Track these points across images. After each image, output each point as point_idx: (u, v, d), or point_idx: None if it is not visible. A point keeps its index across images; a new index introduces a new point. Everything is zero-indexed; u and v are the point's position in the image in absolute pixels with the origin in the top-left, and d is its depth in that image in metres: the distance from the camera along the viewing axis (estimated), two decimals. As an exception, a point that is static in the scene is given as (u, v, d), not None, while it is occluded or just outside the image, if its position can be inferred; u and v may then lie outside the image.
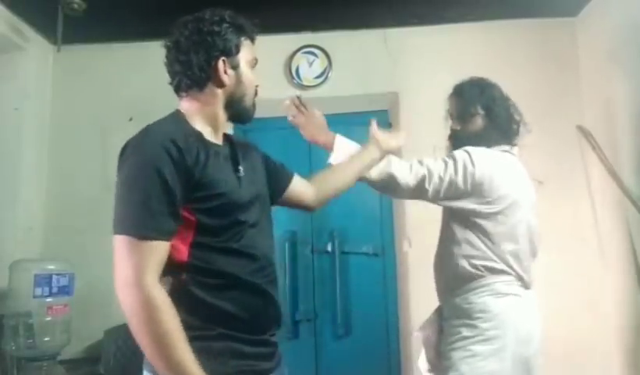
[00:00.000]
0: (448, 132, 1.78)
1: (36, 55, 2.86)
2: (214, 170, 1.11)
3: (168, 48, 1.21)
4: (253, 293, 1.12)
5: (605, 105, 2.61)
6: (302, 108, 1.71)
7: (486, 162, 1.56)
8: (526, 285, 1.59)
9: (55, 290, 2.28)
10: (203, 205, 1.08)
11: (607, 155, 2.54)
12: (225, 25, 1.19)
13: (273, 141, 3.08)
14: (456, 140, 1.72)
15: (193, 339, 1.02)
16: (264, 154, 1.42)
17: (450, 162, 1.55)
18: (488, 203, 1.53)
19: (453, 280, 1.59)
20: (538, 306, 1.60)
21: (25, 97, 2.80)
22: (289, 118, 1.73)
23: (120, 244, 1.03)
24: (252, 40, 1.28)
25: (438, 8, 2.76)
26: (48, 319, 2.25)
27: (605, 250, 2.63)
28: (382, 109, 3.08)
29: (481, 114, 1.68)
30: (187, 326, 1.03)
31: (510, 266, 1.54)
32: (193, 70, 1.17)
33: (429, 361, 1.67)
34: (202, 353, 1.02)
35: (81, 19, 2.57)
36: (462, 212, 1.57)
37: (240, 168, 1.20)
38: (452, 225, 1.61)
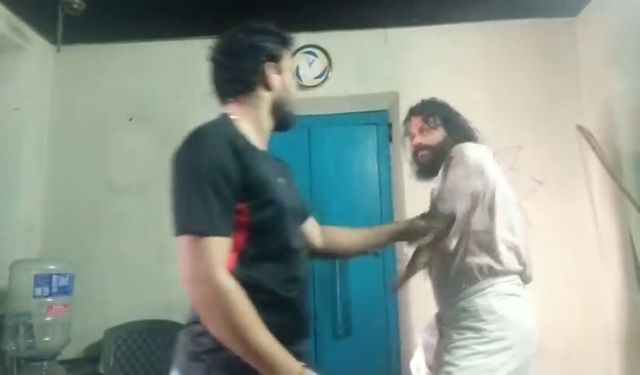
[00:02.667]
0: (409, 156, 1.84)
1: (36, 55, 2.86)
2: (266, 173, 1.13)
3: (215, 57, 1.25)
4: (289, 307, 1.12)
5: (605, 105, 2.61)
6: None
7: (482, 156, 1.61)
8: (526, 279, 1.61)
9: (55, 290, 2.28)
10: (257, 205, 1.09)
11: (607, 155, 2.54)
12: (270, 35, 1.27)
13: (273, 141, 3.08)
14: (424, 153, 1.76)
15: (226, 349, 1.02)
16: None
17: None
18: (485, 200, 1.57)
19: (458, 283, 1.58)
20: (533, 305, 1.61)
21: (25, 97, 2.80)
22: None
23: (187, 242, 1.02)
24: (291, 52, 1.34)
25: (438, 8, 2.76)
26: (48, 319, 2.25)
27: (605, 250, 2.63)
28: (382, 109, 3.09)
29: (440, 126, 1.74)
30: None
31: (512, 265, 1.56)
32: (243, 74, 1.21)
33: (428, 364, 1.68)
34: (237, 363, 1.01)
35: (81, 19, 2.57)
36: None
37: (280, 179, 1.21)
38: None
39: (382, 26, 2.92)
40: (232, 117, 1.20)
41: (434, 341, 1.65)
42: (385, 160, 3.03)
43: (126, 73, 2.96)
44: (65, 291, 2.32)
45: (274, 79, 1.24)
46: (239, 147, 1.09)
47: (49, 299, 2.26)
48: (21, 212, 2.72)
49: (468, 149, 1.61)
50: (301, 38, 2.94)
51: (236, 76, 1.22)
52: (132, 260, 2.71)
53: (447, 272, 1.62)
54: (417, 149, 1.78)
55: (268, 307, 1.05)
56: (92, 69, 2.97)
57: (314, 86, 2.92)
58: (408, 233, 1.57)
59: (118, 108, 2.91)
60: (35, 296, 2.23)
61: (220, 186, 1.03)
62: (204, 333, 1.04)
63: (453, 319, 1.59)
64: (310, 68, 2.92)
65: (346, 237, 1.54)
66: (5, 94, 2.76)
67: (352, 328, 2.87)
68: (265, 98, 1.24)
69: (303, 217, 1.33)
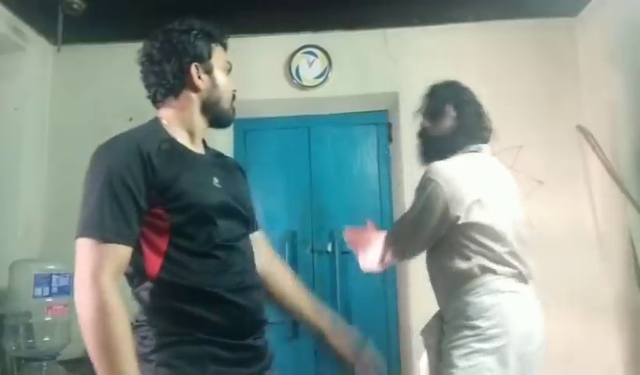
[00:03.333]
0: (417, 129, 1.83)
1: (36, 55, 2.86)
2: (187, 176, 1.12)
3: (142, 63, 1.26)
4: (224, 302, 1.11)
5: (604, 105, 2.61)
6: None
7: (451, 177, 1.58)
8: (524, 279, 1.58)
9: (54, 290, 2.28)
10: (176, 209, 1.09)
11: (607, 155, 2.54)
12: (194, 32, 1.24)
13: (273, 141, 3.09)
14: (426, 138, 1.79)
15: (172, 344, 1.04)
16: (249, 187, 1.42)
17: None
18: (462, 214, 1.54)
19: (451, 283, 1.59)
20: (536, 302, 1.60)
21: (25, 97, 2.80)
22: None
23: (81, 246, 1.03)
24: (223, 46, 1.32)
25: (438, 9, 2.77)
26: (48, 319, 2.25)
27: (605, 250, 2.63)
28: (382, 109, 3.09)
29: (451, 114, 1.72)
30: (165, 332, 1.05)
31: (505, 262, 1.54)
32: (168, 78, 1.21)
33: (431, 364, 1.67)
34: (181, 358, 1.03)
35: (81, 19, 2.57)
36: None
37: (215, 179, 1.20)
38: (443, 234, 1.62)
39: (382, 26, 2.91)
40: (161, 121, 1.21)
41: (434, 341, 1.65)
42: (385, 160, 3.03)
43: (126, 73, 2.92)
44: (65, 291, 2.31)
45: (201, 80, 1.22)
46: (150, 151, 1.08)
47: (49, 299, 2.26)
48: (21, 212, 2.72)
49: (436, 174, 1.58)
50: (301, 38, 2.96)
51: (160, 81, 1.22)
52: (132, 260, 2.70)
53: (442, 273, 1.62)
54: (422, 132, 1.80)
55: (200, 304, 1.07)
56: (92, 69, 2.97)
57: (314, 86, 2.92)
58: (329, 348, 1.36)
59: (118, 108, 2.90)
60: (35, 296, 2.23)
61: (119, 192, 1.04)
62: (147, 336, 1.07)
63: (450, 318, 1.59)
64: (310, 68, 2.92)
65: (287, 287, 1.40)
66: (5, 94, 2.76)
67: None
68: (193, 99, 1.23)
69: (243, 218, 1.27)
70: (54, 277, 2.29)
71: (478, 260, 1.53)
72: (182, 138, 1.20)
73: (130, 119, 2.86)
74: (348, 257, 2.91)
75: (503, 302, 1.50)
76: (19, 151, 2.75)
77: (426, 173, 1.62)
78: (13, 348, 2.22)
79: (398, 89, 2.89)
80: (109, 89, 2.95)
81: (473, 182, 1.58)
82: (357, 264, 2.90)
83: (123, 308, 1.00)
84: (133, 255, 1.08)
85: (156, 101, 1.25)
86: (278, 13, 2.74)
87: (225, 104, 1.28)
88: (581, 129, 2.72)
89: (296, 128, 3.06)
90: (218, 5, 2.60)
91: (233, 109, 1.31)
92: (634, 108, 2.36)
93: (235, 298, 1.12)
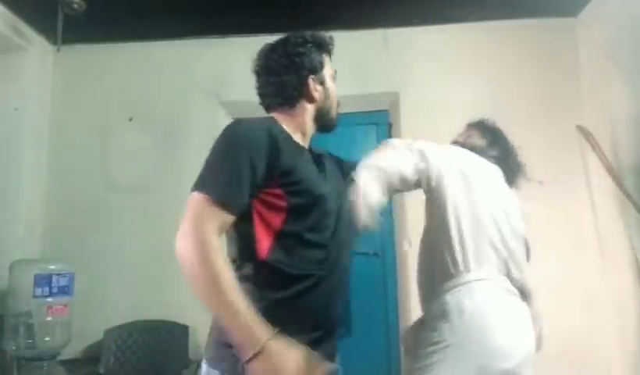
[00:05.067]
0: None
1: (36, 55, 2.86)
2: (303, 166, 1.18)
3: (258, 73, 1.29)
4: (323, 294, 1.15)
5: (605, 105, 2.61)
6: None
7: (437, 153, 1.53)
8: (512, 289, 1.44)
9: (55, 290, 2.28)
10: (295, 192, 1.13)
11: (607, 155, 2.54)
12: (309, 45, 1.29)
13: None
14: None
15: None
16: (342, 160, 1.51)
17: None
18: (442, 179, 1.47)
19: (432, 281, 1.48)
20: (523, 316, 1.44)
21: (25, 97, 2.80)
22: None
23: (192, 199, 1.05)
24: (330, 55, 1.38)
25: (438, 9, 2.77)
26: (48, 319, 2.25)
27: (605, 250, 2.63)
28: (382, 109, 3.09)
29: (485, 138, 1.72)
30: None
31: (490, 266, 1.42)
32: (286, 90, 1.26)
33: (405, 369, 1.62)
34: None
35: (81, 19, 2.57)
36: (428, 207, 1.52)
37: (322, 173, 1.27)
38: (426, 228, 1.57)
39: (382, 26, 2.92)
40: (277, 120, 1.25)
41: (410, 344, 1.58)
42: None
43: (126, 73, 2.96)
44: (65, 291, 2.32)
45: (317, 91, 1.28)
46: (277, 136, 1.14)
47: (49, 299, 2.27)
48: (21, 212, 2.72)
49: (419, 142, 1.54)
50: (301, 38, 2.96)
51: (279, 92, 1.27)
52: (132, 260, 2.71)
53: (420, 272, 1.56)
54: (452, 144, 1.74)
55: (297, 297, 1.10)
56: (92, 69, 2.97)
57: (314, 86, 2.92)
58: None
59: (118, 108, 2.91)
60: (35, 296, 2.23)
61: (241, 162, 1.07)
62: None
63: (428, 318, 1.47)
64: (310, 68, 2.92)
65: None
66: (5, 94, 2.76)
67: (352, 328, 2.86)
68: (308, 109, 1.29)
69: (342, 220, 1.27)
70: (54, 277, 2.29)
71: (460, 256, 1.41)
72: (295, 137, 1.26)
73: (130, 120, 2.87)
74: (348, 257, 2.91)
75: (484, 308, 1.36)
76: (19, 151, 2.75)
77: None
78: (14, 347, 2.22)
79: (398, 89, 2.89)
80: (109, 89, 2.95)
81: (487, 176, 1.56)
82: (357, 264, 2.92)
83: (223, 251, 1.03)
84: (242, 233, 1.12)
85: (268, 108, 1.31)
86: (278, 13, 2.74)
87: (334, 112, 1.35)
88: (581, 129, 2.72)
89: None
90: (218, 5, 2.60)
91: (337, 115, 1.38)
92: (634, 108, 2.37)
93: (315, 293, 1.15)
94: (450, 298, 1.38)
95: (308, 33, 1.31)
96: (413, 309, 2.63)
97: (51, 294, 2.27)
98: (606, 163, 2.52)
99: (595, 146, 2.61)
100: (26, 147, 2.79)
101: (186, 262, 1.01)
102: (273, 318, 1.03)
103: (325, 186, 1.22)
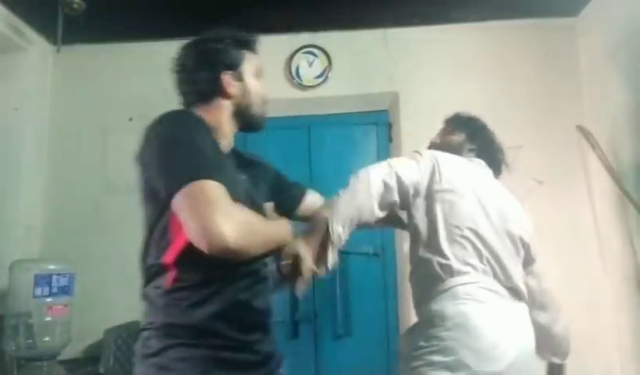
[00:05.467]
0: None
1: (36, 55, 2.86)
2: (226, 168, 1.15)
3: (176, 72, 1.29)
4: (236, 302, 1.12)
5: (605, 105, 2.61)
6: None
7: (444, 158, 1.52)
8: (502, 291, 1.41)
9: (55, 290, 2.28)
10: None
11: (607, 155, 2.54)
12: (226, 41, 1.27)
13: (273, 141, 3.08)
14: (433, 146, 1.72)
15: (174, 346, 1.05)
16: (276, 171, 1.50)
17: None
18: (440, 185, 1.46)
19: (420, 288, 1.48)
20: (515, 318, 1.42)
21: (25, 97, 2.80)
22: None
23: (190, 192, 0.99)
24: (254, 51, 1.33)
25: (438, 9, 2.77)
26: (48, 319, 2.25)
27: (605, 250, 2.63)
28: (382, 109, 3.08)
29: (463, 133, 1.68)
30: (170, 334, 1.06)
31: (481, 268, 1.39)
32: (199, 86, 1.24)
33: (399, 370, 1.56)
34: (183, 361, 1.04)
35: (81, 19, 2.57)
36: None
37: (243, 176, 1.26)
38: (411, 235, 1.53)
39: (382, 26, 2.92)
40: (200, 115, 1.22)
41: (404, 347, 1.53)
42: (385, 160, 3.02)
43: (125, 73, 2.96)
44: (65, 291, 2.32)
45: (232, 87, 1.25)
46: (203, 126, 1.15)
47: (49, 299, 2.26)
48: (21, 212, 2.72)
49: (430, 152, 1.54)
50: (301, 38, 2.96)
51: (193, 88, 1.26)
52: (132, 260, 2.69)
53: (410, 279, 1.55)
54: (430, 147, 1.72)
55: (210, 304, 1.08)
56: (92, 69, 2.97)
57: (314, 86, 2.92)
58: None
59: (118, 108, 2.91)
60: (35, 296, 2.23)
61: (203, 144, 1.07)
62: (152, 337, 1.08)
63: (415, 325, 1.48)
64: (310, 68, 2.92)
65: None
66: (5, 94, 2.76)
67: (352, 328, 2.87)
68: (224, 105, 1.27)
69: (291, 206, 1.43)
70: (54, 277, 2.29)
71: (447, 260, 1.39)
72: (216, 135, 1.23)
73: (130, 120, 2.87)
74: (348, 257, 2.91)
75: (464, 311, 1.33)
76: (19, 151, 2.75)
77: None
78: (13, 348, 2.22)
79: (398, 89, 2.89)
80: (109, 89, 2.95)
81: (459, 171, 1.51)
82: (357, 264, 2.93)
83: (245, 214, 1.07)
84: (158, 241, 1.13)
85: (187, 104, 1.29)
86: (278, 13, 2.74)
87: (256, 109, 1.31)
88: (581, 129, 2.72)
89: (296, 128, 3.06)
90: (218, 5, 2.60)
91: (264, 114, 1.35)
92: (634, 108, 2.37)
93: (242, 296, 1.14)
94: (434, 305, 1.38)
95: (226, 31, 1.29)
96: (413, 309, 2.63)
97: (51, 294, 2.27)
98: (606, 163, 2.52)
99: (595, 146, 2.61)
100: (26, 147, 2.79)
101: (241, 245, 0.99)
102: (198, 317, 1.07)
103: (244, 192, 1.19)
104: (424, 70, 2.87)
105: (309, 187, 1.59)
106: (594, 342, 2.55)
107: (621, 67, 2.46)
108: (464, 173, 1.52)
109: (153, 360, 1.07)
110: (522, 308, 1.46)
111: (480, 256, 1.41)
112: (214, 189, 0.99)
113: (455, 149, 1.63)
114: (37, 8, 2.60)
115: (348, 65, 2.94)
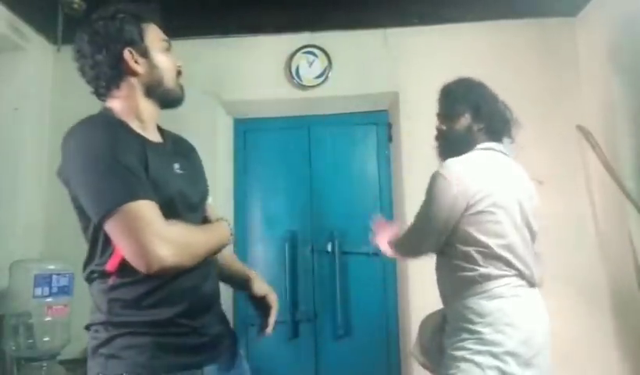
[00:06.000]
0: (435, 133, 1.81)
1: (36, 55, 2.86)
2: (152, 162, 1.10)
3: (76, 59, 1.22)
4: (180, 291, 1.11)
5: (605, 104, 2.61)
6: None
7: (461, 173, 1.57)
8: (528, 282, 1.57)
9: (55, 290, 2.28)
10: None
11: (607, 155, 2.54)
12: (120, 16, 1.18)
13: (273, 141, 3.09)
14: (443, 140, 1.76)
15: (122, 335, 1.05)
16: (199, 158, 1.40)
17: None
18: (472, 211, 1.55)
19: (453, 288, 1.60)
20: (540, 304, 1.60)
21: (25, 97, 2.80)
22: None
23: (120, 217, 0.99)
24: (155, 22, 1.26)
25: (438, 8, 2.76)
26: (48, 319, 2.25)
27: (605, 250, 2.63)
28: (382, 109, 3.09)
29: (467, 113, 1.70)
30: (117, 323, 1.06)
31: (508, 266, 1.54)
32: (104, 70, 1.18)
33: (421, 344, 1.71)
34: (130, 348, 1.04)
35: (81, 19, 2.57)
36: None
37: (176, 165, 1.20)
38: (447, 239, 1.61)
39: (382, 26, 2.92)
40: (112, 111, 1.20)
41: (431, 324, 1.70)
42: (385, 160, 3.03)
43: (125, 73, 2.96)
44: (65, 291, 2.32)
45: (138, 64, 1.18)
46: (115, 125, 1.11)
47: (49, 299, 2.26)
48: (21, 212, 2.72)
49: (439, 178, 1.57)
50: (301, 38, 2.96)
51: (97, 74, 1.19)
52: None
53: (446, 277, 1.65)
54: (438, 134, 1.78)
55: (153, 295, 1.07)
56: (92, 69, 2.97)
57: (314, 86, 2.92)
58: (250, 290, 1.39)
59: (118, 108, 2.91)
60: (35, 296, 2.23)
61: (124, 159, 1.03)
62: (99, 330, 1.08)
63: (451, 319, 1.60)
64: (310, 68, 2.92)
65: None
66: (5, 94, 2.76)
67: (352, 328, 2.87)
68: (134, 84, 1.19)
69: (202, 202, 1.29)
70: (54, 277, 2.29)
71: (481, 268, 1.53)
72: (135, 126, 1.18)
73: (130, 119, 2.87)
74: (348, 257, 2.92)
75: (505, 308, 1.50)
76: (19, 151, 2.75)
77: (438, 169, 1.61)
78: (13, 348, 2.22)
79: (398, 89, 2.89)
80: (109, 89, 2.95)
81: (483, 179, 1.58)
82: (357, 264, 2.94)
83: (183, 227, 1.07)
84: (100, 252, 1.11)
85: (100, 95, 1.23)
86: (278, 13, 2.74)
87: (169, 83, 1.23)
88: (581, 128, 2.72)
89: (296, 128, 3.06)
90: (218, 4, 2.60)
91: (181, 87, 1.27)
92: (634, 108, 2.37)
93: (187, 283, 1.12)
94: (472, 303, 1.52)
95: (121, 5, 1.20)
96: (413, 309, 2.63)
97: (51, 294, 2.27)
98: (605, 163, 2.52)
99: (595, 146, 2.61)
100: (26, 147, 2.79)
101: (180, 262, 1.01)
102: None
103: (177, 181, 1.15)
104: (424, 70, 2.87)
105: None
106: (593, 342, 2.55)
107: (621, 67, 2.46)
108: (486, 185, 1.57)
109: (102, 350, 1.07)
110: (538, 294, 1.61)
111: (511, 265, 1.54)
112: (143, 210, 0.98)
113: (465, 135, 1.68)
114: (37, 7, 2.60)
115: (348, 65, 2.94)
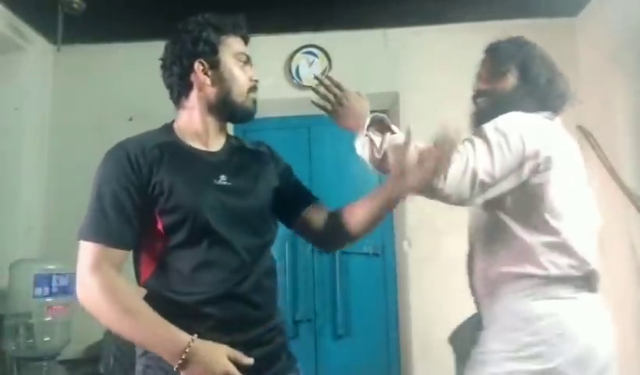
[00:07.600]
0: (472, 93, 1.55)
1: (36, 55, 2.86)
2: (183, 176, 1.10)
3: (161, 68, 1.23)
4: (206, 315, 1.08)
5: (605, 105, 2.61)
6: (341, 98, 1.53)
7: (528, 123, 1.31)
8: (591, 284, 1.26)
9: (55, 290, 2.28)
10: (166, 210, 1.08)
11: (607, 155, 2.54)
12: (199, 28, 1.20)
13: (273, 141, 3.07)
14: (482, 100, 1.47)
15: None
16: (286, 169, 1.37)
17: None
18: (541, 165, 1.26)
19: (493, 286, 1.29)
20: (604, 313, 1.27)
21: (25, 97, 2.80)
22: (319, 102, 1.55)
23: (81, 249, 1.10)
24: (237, 35, 1.24)
25: (438, 8, 2.77)
26: (48, 319, 2.25)
27: (605, 250, 2.62)
28: (382, 109, 3.08)
29: (514, 73, 1.40)
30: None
31: (571, 258, 1.24)
32: (176, 81, 1.19)
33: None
34: (161, 365, 1.04)
35: (81, 19, 2.57)
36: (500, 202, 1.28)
37: (223, 176, 1.15)
38: (490, 220, 1.32)
39: (382, 26, 2.92)
40: (172, 123, 1.23)
41: (461, 347, 1.39)
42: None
43: (126, 73, 2.96)
44: (65, 291, 2.32)
45: (207, 76, 1.17)
46: (137, 154, 1.10)
47: (49, 299, 2.27)
48: (21, 212, 2.72)
49: (510, 121, 1.28)
50: (301, 38, 2.96)
51: (170, 86, 1.21)
52: (131, 260, 2.70)
53: (484, 272, 1.34)
54: (477, 95, 1.50)
55: (184, 316, 1.05)
56: (92, 69, 2.97)
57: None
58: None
59: (118, 108, 2.91)
60: (35, 296, 2.23)
61: (112, 198, 1.08)
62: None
63: (488, 323, 1.30)
64: (310, 68, 2.92)
65: (346, 213, 1.39)
66: (5, 94, 2.76)
67: (352, 328, 2.87)
68: (200, 97, 1.18)
69: (293, 212, 1.31)
70: (54, 277, 2.29)
71: (530, 264, 1.22)
72: (190, 138, 1.19)
73: (130, 119, 2.87)
74: (348, 257, 2.92)
75: (561, 313, 1.19)
76: (19, 151, 2.75)
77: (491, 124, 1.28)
78: (13, 348, 2.22)
79: (398, 89, 2.89)
80: (109, 89, 2.95)
81: (550, 138, 1.32)
82: (357, 264, 2.93)
83: (126, 283, 1.07)
84: (134, 260, 1.14)
85: (175, 104, 1.25)
86: (278, 13, 2.74)
87: (238, 97, 1.19)
88: (581, 129, 2.72)
89: (296, 128, 3.06)
90: (218, 4, 2.60)
91: (253, 101, 1.24)
92: (634, 108, 2.37)
93: (226, 300, 1.09)
94: (514, 304, 1.23)
95: (203, 16, 1.21)
96: (413, 309, 2.63)
97: (51, 294, 2.27)
98: (606, 163, 2.52)
99: (595, 146, 2.61)
100: (26, 147, 2.79)
101: (95, 311, 1.06)
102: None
103: (211, 191, 1.12)
104: (424, 70, 2.87)
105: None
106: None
107: (621, 67, 2.46)
108: (573, 152, 1.38)
109: (141, 360, 1.11)
110: (600, 300, 1.28)
111: (584, 251, 1.27)
112: (92, 253, 1.07)
113: (511, 95, 1.39)
114: (37, 7, 2.60)
115: (348, 65, 2.94)
